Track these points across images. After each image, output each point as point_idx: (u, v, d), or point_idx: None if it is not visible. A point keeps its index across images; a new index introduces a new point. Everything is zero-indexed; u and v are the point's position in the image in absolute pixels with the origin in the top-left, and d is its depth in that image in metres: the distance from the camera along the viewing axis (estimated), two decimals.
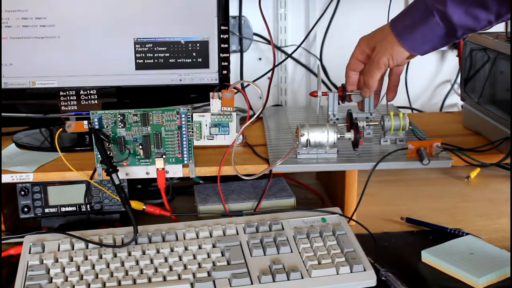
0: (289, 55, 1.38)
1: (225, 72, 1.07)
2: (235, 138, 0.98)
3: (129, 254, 0.85)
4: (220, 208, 1.01)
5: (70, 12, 1.00)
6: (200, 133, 0.99)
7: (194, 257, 0.85)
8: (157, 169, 0.93)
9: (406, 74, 1.43)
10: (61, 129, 0.93)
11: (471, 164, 0.97)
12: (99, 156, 0.90)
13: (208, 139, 1.00)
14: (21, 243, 0.89)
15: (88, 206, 0.99)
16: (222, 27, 1.04)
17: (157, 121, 0.92)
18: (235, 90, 0.98)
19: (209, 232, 0.90)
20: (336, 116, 1.05)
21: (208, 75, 1.07)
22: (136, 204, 0.94)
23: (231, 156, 0.94)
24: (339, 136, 0.93)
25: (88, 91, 1.04)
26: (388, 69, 0.96)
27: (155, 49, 1.04)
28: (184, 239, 0.89)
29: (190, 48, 1.04)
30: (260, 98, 1.03)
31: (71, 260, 0.84)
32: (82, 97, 1.04)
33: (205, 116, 0.99)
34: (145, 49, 1.03)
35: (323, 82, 1.41)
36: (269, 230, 0.91)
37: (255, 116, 1.01)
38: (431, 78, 1.47)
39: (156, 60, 1.04)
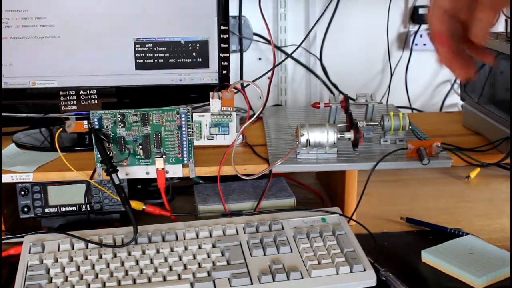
0: (289, 55, 1.38)
1: (225, 72, 1.07)
2: (235, 138, 0.98)
3: (129, 254, 0.85)
4: (220, 208, 1.01)
5: (70, 12, 1.00)
6: (200, 133, 0.99)
7: (194, 257, 0.85)
8: (157, 169, 0.93)
9: (406, 74, 1.43)
10: (61, 129, 0.92)
11: (471, 164, 0.97)
12: (99, 156, 0.90)
13: (208, 139, 1.00)
14: (21, 243, 0.89)
15: (88, 206, 0.99)
16: (222, 27, 1.04)
17: (157, 121, 0.92)
18: (235, 90, 0.98)
19: (209, 232, 0.90)
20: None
21: (208, 75, 1.07)
22: (136, 204, 0.94)
23: (231, 156, 0.94)
24: (339, 136, 0.93)
25: (88, 91, 1.04)
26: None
27: (155, 49, 1.04)
28: (184, 239, 0.89)
29: (190, 48, 1.04)
30: (260, 98, 1.03)
31: (71, 260, 0.84)
32: (82, 97, 1.04)
33: (205, 116, 0.99)
34: (145, 49, 1.03)
35: (323, 82, 1.41)
36: (269, 230, 0.91)
37: (255, 116, 1.01)
38: (431, 78, 1.47)
39: (156, 60, 1.04)
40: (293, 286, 0.80)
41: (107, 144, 0.91)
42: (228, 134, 0.99)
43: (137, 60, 1.04)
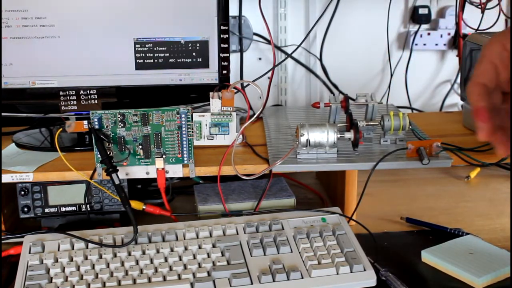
0: (289, 55, 1.38)
1: (225, 72, 1.07)
2: (235, 138, 0.98)
3: (129, 254, 0.85)
4: (220, 208, 1.01)
5: (70, 12, 1.00)
6: (200, 133, 0.99)
7: (194, 257, 0.85)
8: (157, 169, 0.93)
9: (406, 74, 1.43)
10: (61, 129, 0.93)
11: (471, 164, 0.97)
12: (99, 156, 0.90)
13: (208, 139, 1.00)
14: (21, 243, 0.89)
15: (88, 206, 0.99)
16: (222, 27, 1.04)
17: (157, 121, 0.92)
18: (235, 90, 0.98)
19: (209, 232, 0.90)
20: None
21: (208, 75, 1.07)
22: (136, 204, 0.94)
23: (231, 156, 0.94)
24: (339, 136, 0.93)
25: (88, 91, 1.04)
26: None
27: (155, 49, 1.04)
28: (184, 239, 0.89)
29: (190, 48, 1.04)
30: (260, 98, 1.03)
31: (71, 260, 0.84)
32: (82, 97, 1.04)
33: (205, 116, 0.99)
34: (145, 49, 1.03)
35: (323, 82, 1.41)
36: (269, 230, 0.91)
37: (255, 116, 1.01)
38: (431, 78, 1.47)
39: (156, 60, 1.04)
40: (293, 286, 0.80)
41: (107, 144, 0.91)
42: (228, 134, 0.99)
43: (137, 60, 1.04)
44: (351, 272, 0.81)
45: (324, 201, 1.13)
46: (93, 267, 0.83)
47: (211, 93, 0.98)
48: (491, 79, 0.61)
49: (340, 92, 1.41)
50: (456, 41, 1.39)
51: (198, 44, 1.05)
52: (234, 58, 1.33)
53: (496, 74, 0.61)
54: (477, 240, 0.91)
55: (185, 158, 0.94)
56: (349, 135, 0.94)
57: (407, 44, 1.42)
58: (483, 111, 0.60)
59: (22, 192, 0.97)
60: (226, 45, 1.05)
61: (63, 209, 0.99)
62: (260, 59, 1.40)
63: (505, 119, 0.61)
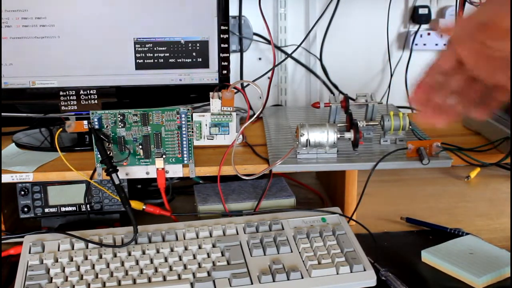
0: (289, 55, 1.38)
1: (225, 72, 1.07)
2: (235, 138, 0.98)
3: (129, 254, 0.85)
4: (220, 208, 1.01)
5: (70, 12, 1.00)
6: (200, 133, 0.99)
7: (194, 257, 0.85)
8: (157, 169, 0.93)
9: (406, 74, 1.43)
10: (61, 129, 0.93)
11: (471, 164, 0.97)
12: (99, 156, 0.90)
13: (208, 139, 1.00)
14: (21, 243, 0.89)
15: (88, 206, 0.99)
16: (222, 27, 1.04)
17: (157, 121, 0.92)
18: (235, 90, 0.98)
19: (209, 232, 0.90)
20: None
21: (208, 75, 1.07)
22: (136, 204, 0.94)
23: (231, 156, 0.94)
24: (339, 136, 0.93)
25: (88, 91, 1.04)
26: None
27: (155, 49, 1.04)
28: (184, 239, 0.89)
29: (190, 48, 1.04)
30: (260, 98, 1.03)
31: (71, 260, 0.84)
32: (82, 97, 1.04)
33: (205, 116, 0.99)
34: (145, 49, 1.03)
35: (323, 82, 1.41)
36: (269, 230, 0.91)
37: (255, 116, 1.01)
38: None
39: (156, 60, 1.04)
40: (293, 286, 0.80)
41: (107, 144, 0.91)
42: (228, 134, 0.99)
43: (137, 60, 1.04)
44: (351, 272, 0.81)
45: (324, 201, 1.13)
46: (93, 267, 0.83)
47: (211, 93, 0.98)
48: (448, 62, 0.64)
49: (340, 92, 1.41)
50: None
51: (198, 44, 1.05)
52: (234, 58, 1.33)
53: (456, 59, 0.63)
54: (477, 240, 0.91)
55: (185, 158, 0.94)
56: (349, 135, 0.94)
57: (407, 44, 1.42)
58: (423, 84, 0.66)
59: (22, 192, 0.97)
60: (226, 45, 1.05)
61: (63, 209, 0.99)
62: (260, 59, 1.40)
63: (457, 103, 0.64)
